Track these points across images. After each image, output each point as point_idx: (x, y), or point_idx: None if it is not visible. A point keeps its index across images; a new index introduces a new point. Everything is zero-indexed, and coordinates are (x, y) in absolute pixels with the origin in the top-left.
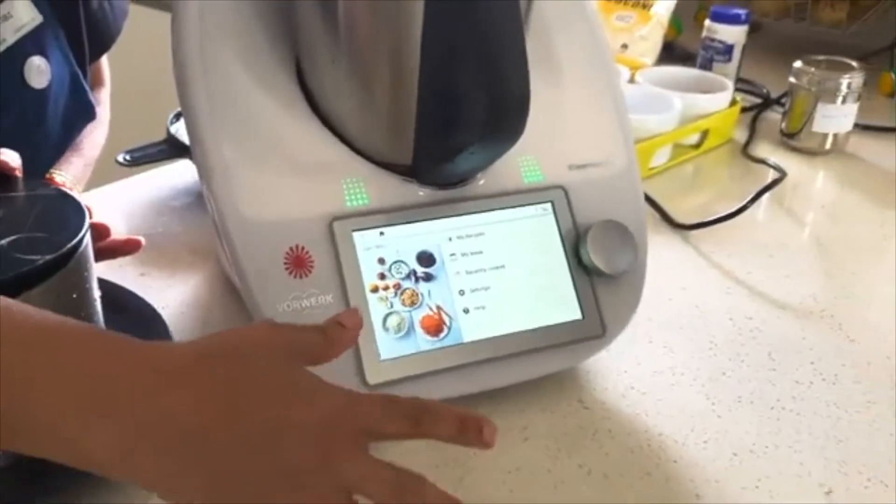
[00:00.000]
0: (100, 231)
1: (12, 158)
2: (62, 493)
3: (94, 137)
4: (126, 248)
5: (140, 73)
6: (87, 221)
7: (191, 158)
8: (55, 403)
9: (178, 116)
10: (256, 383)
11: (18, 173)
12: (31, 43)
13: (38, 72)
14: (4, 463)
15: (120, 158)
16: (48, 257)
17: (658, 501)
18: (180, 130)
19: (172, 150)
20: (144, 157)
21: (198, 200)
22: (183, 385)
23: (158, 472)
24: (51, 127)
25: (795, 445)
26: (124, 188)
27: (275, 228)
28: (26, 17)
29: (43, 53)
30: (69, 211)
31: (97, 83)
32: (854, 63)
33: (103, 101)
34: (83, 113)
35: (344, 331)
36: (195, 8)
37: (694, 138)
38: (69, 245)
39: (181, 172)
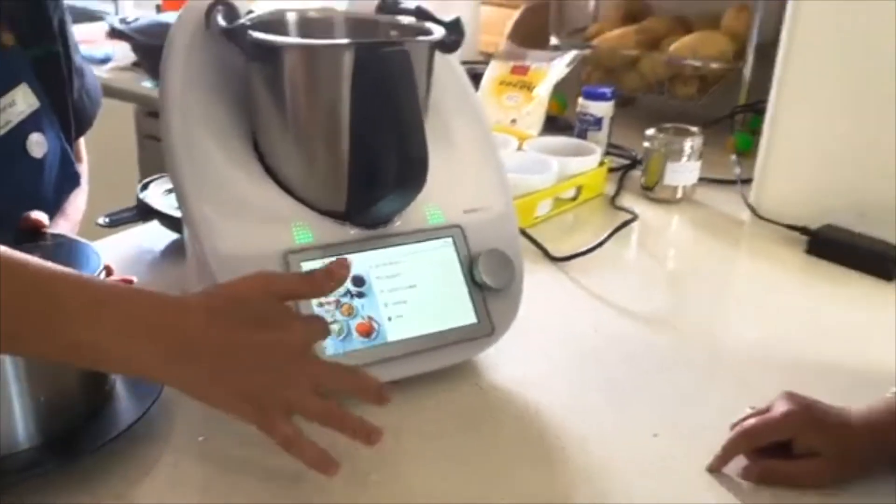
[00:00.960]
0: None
1: (43, 217)
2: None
3: (77, 203)
4: None
5: (108, 152)
6: (102, 262)
7: (159, 220)
8: (118, 335)
9: (145, 186)
10: (249, 317)
11: (46, 229)
12: (31, 122)
13: (37, 145)
14: None
15: (100, 221)
16: None
17: (541, 463)
18: (148, 197)
19: (142, 213)
20: (120, 219)
21: (161, 255)
22: (192, 321)
23: (186, 374)
24: (45, 191)
25: (643, 409)
26: (105, 246)
27: (244, 261)
28: (26, 103)
29: (40, 130)
30: (88, 254)
31: (77, 159)
32: (694, 129)
33: (83, 174)
34: (70, 181)
35: (327, 281)
36: (178, 102)
37: (571, 192)
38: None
39: (150, 233)
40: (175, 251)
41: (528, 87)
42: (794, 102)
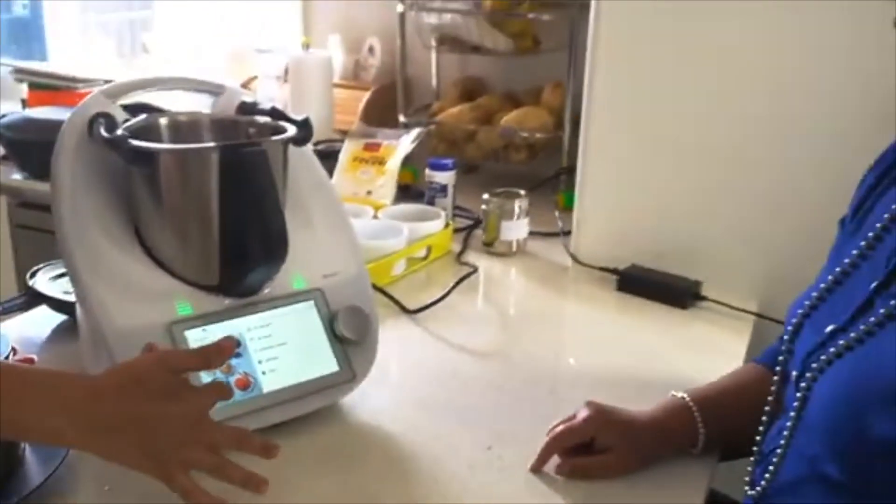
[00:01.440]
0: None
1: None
2: None
3: None
4: None
5: None
6: (10, 347)
7: (48, 305)
8: (41, 413)
9: (33, 274)
10: (152, 391)
11: None
12: None
13: None
14: None
15: None
16: None
17: (401, 481)
18: (37, 283)
19: (32, 299)
20: (12, 306)
21: (53, 335)
22: (105, 398)
23: (100, 443)
24: None
25: (481, 427)
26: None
27: (135, 334)
28: None
29: None
30: None
31: None
32: (522, 192)
33: None
34: None
35: (217, 356)
36: (68, 198)
37: (422, 252)
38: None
39: (39, 316)
40: (64, 331)
41: (381, 162)
42: (598, 163)
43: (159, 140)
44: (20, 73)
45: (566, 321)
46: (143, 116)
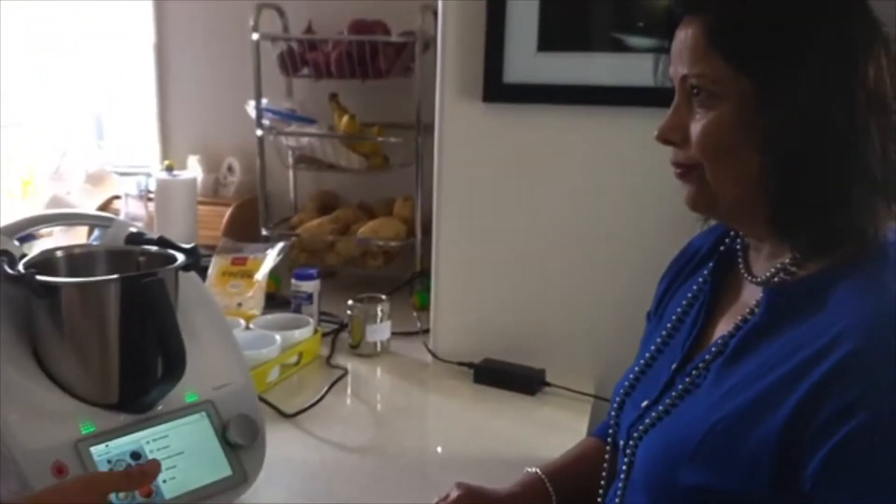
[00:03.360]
0: None
1: None
2: None
3: None
4: None
5: None
6: None
7: None
8: None
9: None
10: None
11: None
12: None
13: None
14: None
15: None
16: None
17: None
18: None
19: None
20: None
21: None
22: None
23: None
24: None
25: None
26: None
27: (43, 452)
28: None
29: None
30: None
31: None
32: (383, 296)
33: None
34: None
35: (144, 476)
36: None
37: (294, 359)
38: None
39: None
40: None
41: (249, 275)
42: (449, 267)
43: (57, 272)
44: None
45: (431, 413)
46: (39, 251)
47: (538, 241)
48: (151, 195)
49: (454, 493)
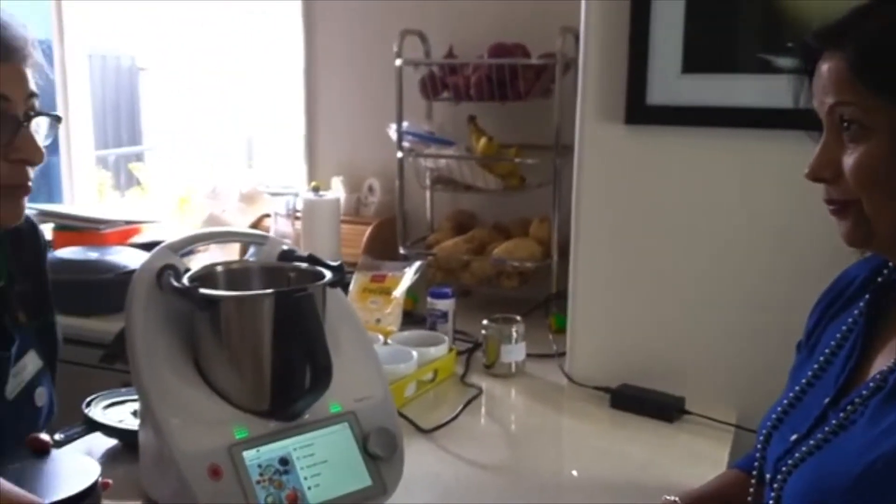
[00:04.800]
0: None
1: (47, 439)
2: None
3: None
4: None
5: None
6: (99, 471)
7: (102, 432)
8: None
9: (88, 403)
10: None
11: (51, 447)
12: (36, 379)
13: (40, 396)
14: None
15: (57, 437)
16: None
17: None
18: (92, 412)
19: (89, 427)
20: (74, 434)
21: (106, 458)
22: None
23: None
24: (41, 428)
25: None
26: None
27: (200, 455)
28: (34, 366)
29: (42, 385)
30: (88, 465)
31: None
32: (518, 317)
33: None
34: (51, 416)
35: None
36: (141, 340)
37: (430, 375)
38: (92, 482)
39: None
40: (116, 455)
41: (387, 292)
42: (587, 290)
43: (217, 286)
44: (45, 216)
45: (565, 435)
46: (201, 266)
47: (679, 264)
48: (298, 214)
49: None
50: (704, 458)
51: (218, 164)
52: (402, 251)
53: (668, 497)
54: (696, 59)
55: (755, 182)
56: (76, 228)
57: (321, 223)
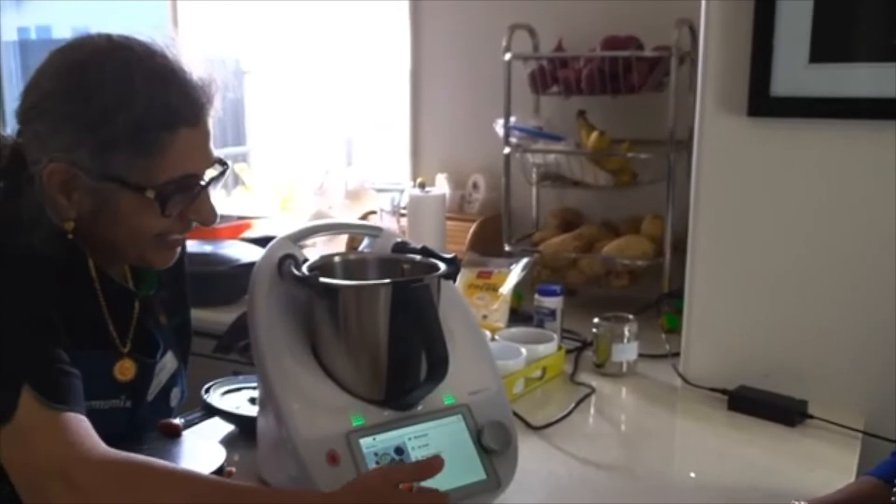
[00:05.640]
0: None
1: (180, 423)
2: None
3: None
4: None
5: None
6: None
7: (220, 417)
8: None
9: (207, 390)
10: (375, 499)
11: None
12: (172, 379)
13: (175, 397)
14: None
15: (177, 422)
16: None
17: None
18: (210, 398)
19: (207, 413)
20: (194, 419)
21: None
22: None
23: None
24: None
25: None
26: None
27: (320, 440)
28: (171, 364)
29: (177, 385)
30: (214, 450)
31: None
32: (630, 316)
33: None
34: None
35: (430, 469)
36: (264, 328)
37: (538, 373)
38: (217, 466)
39: (211, 427)
40: (233, 440)
41: (494, 289)
42: (704, 288)
43: (334, 276)
44: None
45: (680, 437)
46: (319, 256)
47: (803, 262)
48: (403, 211)
49: None
50: (830, 464)
51: (321, 163)
52: (507, 248)
53: (795, 501)
54: (826, 48)
55: (886, 176)
56: None
57: (426, 219)
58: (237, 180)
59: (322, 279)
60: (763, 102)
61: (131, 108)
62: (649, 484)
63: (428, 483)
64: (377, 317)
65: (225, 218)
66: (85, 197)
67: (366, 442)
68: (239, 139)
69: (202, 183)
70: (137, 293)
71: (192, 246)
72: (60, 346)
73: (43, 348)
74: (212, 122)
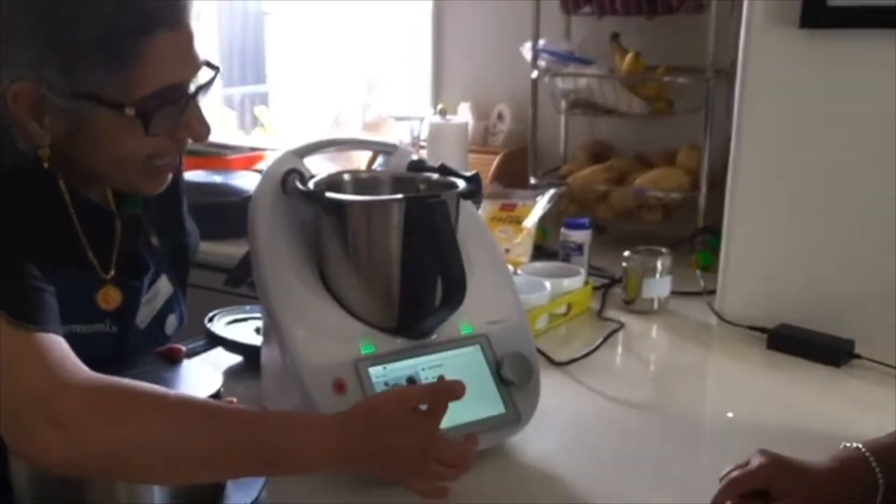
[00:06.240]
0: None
1: (183, 349)
2: None
3: None
4: None
5: None
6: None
7: (223, 347)
8: (303, 450)
9: (211, 318)
10: (393, 424)
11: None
12: (167, 306)
13: (171, 325)
14: None
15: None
16: None
17: None
18: (214, 327)
19: (210, 342)
20: (195, 348)
21: (227, 374)
22: (355, 435)
23: (350, 467)
24: None
25: (644, 476)
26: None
27: (325, 368)
28: (166, 289)
29: (173, 311)
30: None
31: None
32: (664, 249)
33: None
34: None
35: (449, 393)
36: (266, 249)
37: (563, 309)
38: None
39: (215, 357)
40: (237, 371)
41: (517, 221)
42: (745, 222)
43: (344, 193)
44: None
45: (715, 376)
46: (328, 173)
47: (856, 192)
48: (423, 143)
49: (758, 460)
50: (880, 406)
51: (342, 93)
52: (532, 181)
53: (847, 444)
54: None
55: None
56: (202, 153)
57: (448, 149)
58: (256, 122)
59: (328, 194)
60: (819, 12)
61: (99, 11)
62: (685, 424)
63: (449, 414)
64: (389, 237)
65: (237, 149)
66: (58, 120)
67: (375, 371)
68: (259, 79)
69: (189, 92)
70: (119, 213)
71: (202, 176)
72: (30, 262)
73: (9, 262)
74: (195, 23)
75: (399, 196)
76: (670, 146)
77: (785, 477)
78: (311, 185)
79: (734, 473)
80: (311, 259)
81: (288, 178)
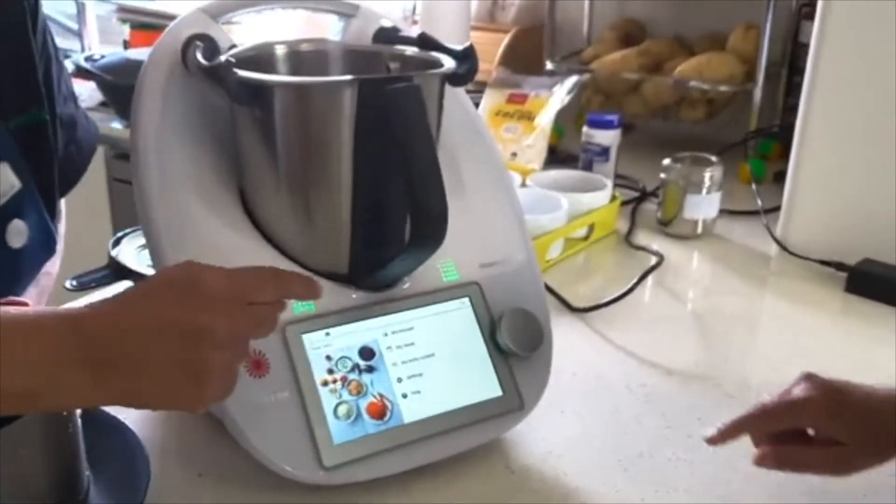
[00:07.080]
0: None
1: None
2: None
3: (50, 269)
4: None
5: (78, 197)
6: None
7: (133, 281)
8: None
9: (117, 241)
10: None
11: None
12: (10, 207)
13: (17, 234)
14: None
15: (68, 285)
16: None
17: None
18: (121, 254)
19: (115, 273)
20: (91, 281)
21: None
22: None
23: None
24: (24, 283)
25: (690, 489)
26: None
27: None
28: (6, 184)
29: (21, 216)
30: None
31: (56, 219)
32: (713, 158)
33: (60, 237)
34: (49, 255)
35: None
36: (153, 149)
37: (582, 232)
38: None
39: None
40: None
41: (528, 117)
42: (822, 128)
43: (274, 72)
44: (124, 13)
45: (777, 330)
46: (252, 44)
47: None
48: (416, 19)
49: (801, 392)
50: None
51: None
52: (548, 67)
53: None
54: None
55: None
56: (156, 27)
57: (445, 28)
58: None
59: (239, 72)
60: None
61: None
62: (737, 394)
63: (413, 398)
64: (336, 138)
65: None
66: None
67: (312, 339)
68: None
69: None
70: None
71: (128, 54)
72: None
73: None
74: None
75: (348, 77)
76: (717, 29)
77: (836, 420)
78: (222, 58)
79: (771, 401)
80: (224, 170)
81: (189, 48)
